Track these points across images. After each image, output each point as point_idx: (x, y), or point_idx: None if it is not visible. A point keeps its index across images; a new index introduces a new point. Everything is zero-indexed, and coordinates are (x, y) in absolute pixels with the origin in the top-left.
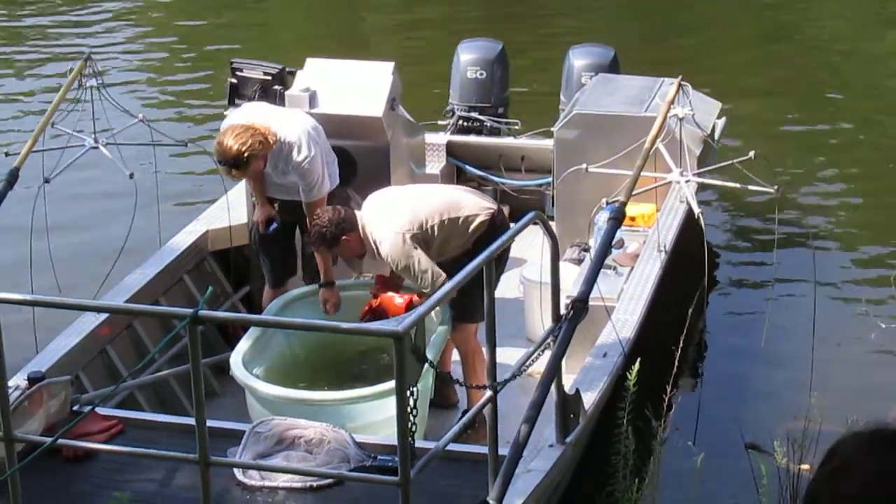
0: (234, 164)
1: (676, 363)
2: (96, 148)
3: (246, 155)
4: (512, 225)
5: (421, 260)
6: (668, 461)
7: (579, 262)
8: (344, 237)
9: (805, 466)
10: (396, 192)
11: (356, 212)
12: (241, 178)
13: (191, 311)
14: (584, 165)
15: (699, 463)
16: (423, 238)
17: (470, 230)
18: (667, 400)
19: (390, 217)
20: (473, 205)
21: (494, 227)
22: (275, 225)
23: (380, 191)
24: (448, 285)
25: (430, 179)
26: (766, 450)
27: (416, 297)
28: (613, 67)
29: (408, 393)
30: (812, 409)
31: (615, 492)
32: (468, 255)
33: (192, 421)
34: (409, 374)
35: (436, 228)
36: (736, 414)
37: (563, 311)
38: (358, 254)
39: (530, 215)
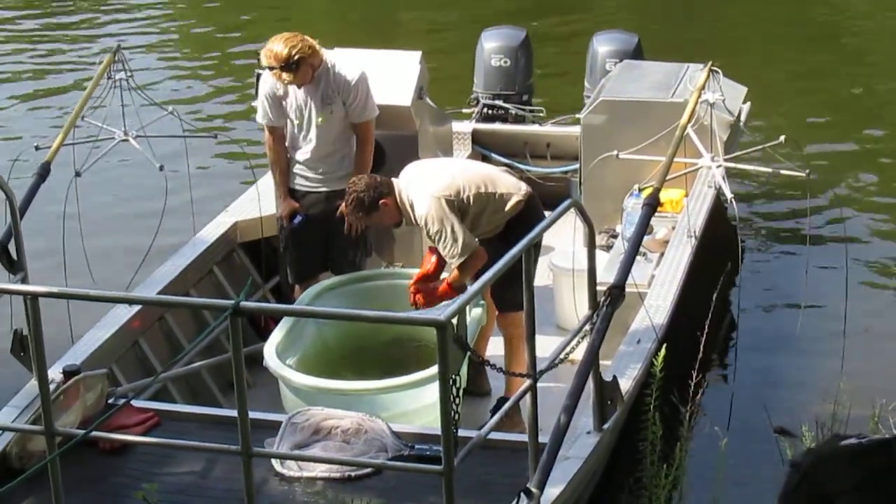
0: (285, 66)
1: (702, 349)
2: (126, 140)
3: (296, 56)
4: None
5: (455, 225)
6: (697, 446)
7: (608, 248)
8: (382, 201)
9: None
10: (435, 161)
11: (392, 179)
12: (292, 82)
13: (232, 302)
14: (615, 152)
15: (724, 447)
16: (458, 206)
17: (506, 208)
18: (693, 385)
19: (428, 181)
20: (511, 184)
21: (529, 209)
22: (299, 218)
23: (416, 161)
24: (488, 274)
25: None
26: (794, 434)
27: (446, 285)
28: (637, 54)
29: (451, 381)
30: (841, 394)
31: (643, 478)
32: (500, 238)
33: (225, 412)
34: (452, 363)
35: (472, 199)
36: (765, 399)
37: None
38: (395, 220)
39: (567, 202)
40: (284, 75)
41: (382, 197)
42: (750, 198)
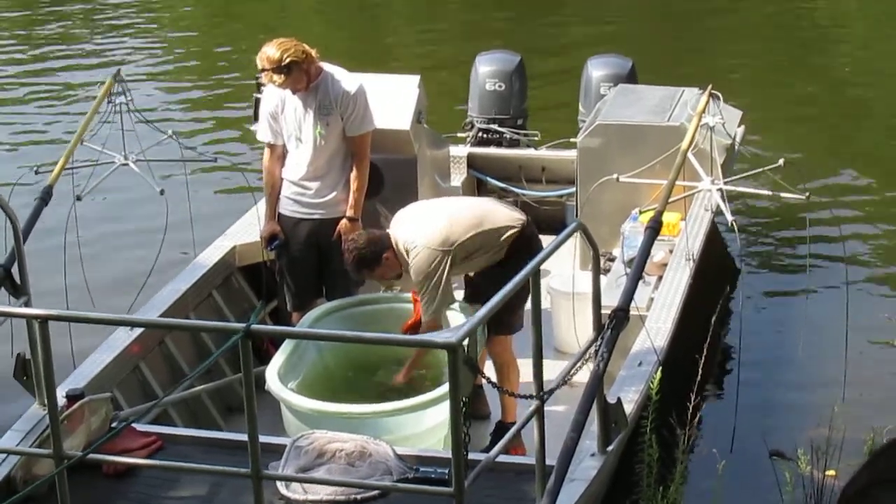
0: (276, 69)
1: (701, 372)
2: (126, 165)
3: (287, 60)
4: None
5: (439, 285)
6: (694, 469)
7: (605, 271)
8: (384, 255)
9: (830, 473)
10: (426, 206)
11: (386, 230)
12: (283, 86)
13: (243, 325)
14: (615, 175)
15: (721, 470)
16: (454, 253)
17: (501, 240)
18: (691, 408)
19: (423, 231)
20: (505, 216)
21: (524, 237)
22: (277, 241)
23: (408, 206)
24: (496, 298)
25: (453, 192)
26: (790, 457)
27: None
28: (631, 78)
29: (461, 403)
30: (837, 418)
31: (640, 500)
32: (499, 265)
33: (227, 435)
34: (462, 385)
35: (466, 242)
36: (763, 422)
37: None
38: (397, 272)
39: (574, 225)
40: (275, 77)
41: (384, 251)
42: (748, 221)
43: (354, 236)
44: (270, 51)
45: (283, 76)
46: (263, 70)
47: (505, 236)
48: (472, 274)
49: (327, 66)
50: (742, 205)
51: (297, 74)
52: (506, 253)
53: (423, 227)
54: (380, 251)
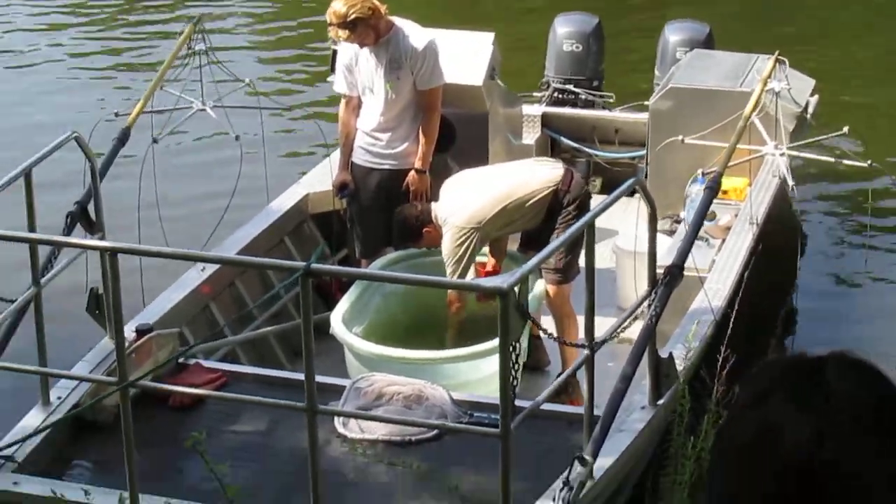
0: (342, 24)
1: (732, 325)
2: (203, 110)
3: (353, 15)
4: (604, 197)
5: (463, 261)
6: None
7: (671, 233)
8: (425, 229)
9: None
10: (466, 180)
11: (431, 204)
12: (349, 41)
13: (303, 263)
14: (679, 137)
15: None
16: (485, 230)
17: (527, 206)
18: (720, 359)
19: (456, 208)
20: (538, 181)
21: (558, 197)
22: (347, 190)
23: (454, 177)
24: (550, 247)
25: (525, 150)
26: None
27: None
28: (708, 43)
29: (510, 348)
30: None
31: (669, 447)
32: (543, 222)
33: (291, 375)
34: (512, 330)
35: (497, 218)
36: None
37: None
38: (437, 243)
39: (631, 181)
40: (341, 32)
41: (425, 225)
42: (813, 187)
43: (400, 209)
44: (338, 6)
45: (348, 31)
46: (331, 24)
47: (531, 202)
48: None
49: (398, 21)
50: (808, 171)
51: (363, 30)
52: (545, 214)
53: (456, 203)
54: (421, 225)
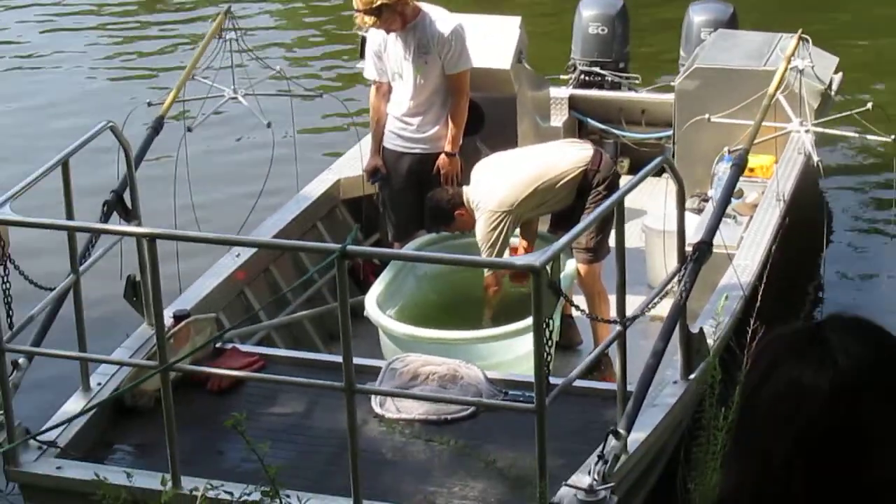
0: (368, 10)
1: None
2: (235, 98)
3: (379, 2)
4: (632, 177)
5: (498, 245)
6: None
7: (699, 211)
8: (457, 212)
9: None
10: (498, 163)
11: (463, 188)
12: (375, 26)
13: (339, 246)
14: (706, 115)
15: None
16: (516, 212)
17: (558, 188)
18: (750, 332)
19: (487, 192)
20: (568, 162)
21: (588, 178)
22: (379, 175)
23: (485, 160)
24: (581, 225)
25: (553, 132)
26: None
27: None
28: (732, 23)
29: (544, 324)
30: None
31: (701, 419)
32: (575, 202)
33: (327, 357)
34: (545, 307)
35: (528, 200)
36: None
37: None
38: (470, 227)
39: (659, 158)
40: (367, 18)
41: (457, 208)
42: (840, 164)
43: (432, 193)
44: None
45: (374, 17)
46: (357, 11)
47: (562, 183)
48: None
49: (425, 6)
50: (834, 148)
51: (389, 16)
52: (575, 194)
53: (487, 187)
54: (453, 209)
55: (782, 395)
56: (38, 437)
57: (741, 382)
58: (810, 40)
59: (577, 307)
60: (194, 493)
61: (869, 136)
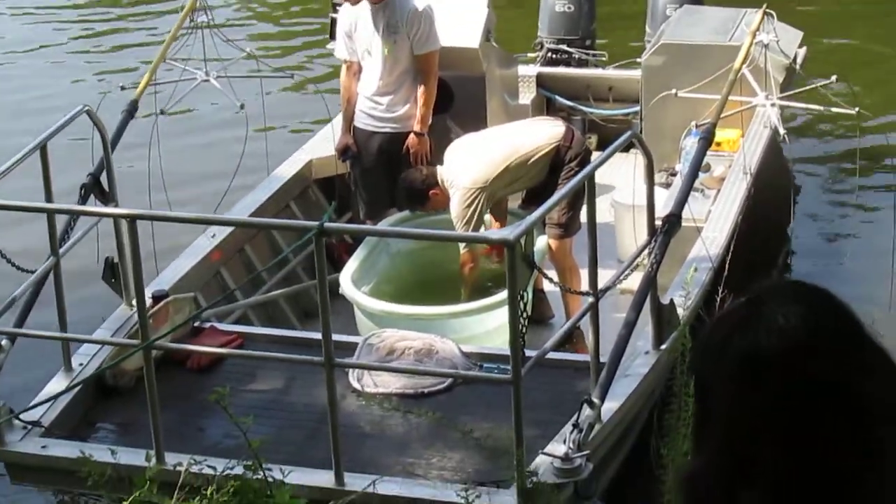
0: None
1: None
2: (207, 80)
3: None
4: (600, 153)
5: (473, 221)
6: None
7: (667, 185)
8: (431, 192)
9: None
10: (471, 142)
11: (437, 167)
12: (353, 2)
13: (316, 223)
14: (673, 91)
15: None
16: (490, 189)
17: (530, 164)
18: (718, 300)
19: (461, 170)
20: (539, 139)
21: (560, 154)
22: (350, 153)
23: (459, 140)
24: (552, 200)
25: (522, 110)
26: None
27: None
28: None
29: (518, 297)
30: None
31: (672, 386)
32: (547, 178)
33: (304, 334)
34: (520, 280)
35: (501, 176)
36: None
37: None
38: (444, 206)
39: (628, 133)
40: None
41: (432, 188)
42: (805, 137)
43: (405, 174)
44: None
45: None
46: None
47: (534, 159)
48: None
49: None
50: (799, 122)
51: None
52: (548, 171)
53: (461, 165)
54: (427, 189)
55: (738, 368)
56: (22, 417)
57: (693, 369)
58: (775, 15)
59: (552, 280)
60: (178, 468)
61: (833, 109)
